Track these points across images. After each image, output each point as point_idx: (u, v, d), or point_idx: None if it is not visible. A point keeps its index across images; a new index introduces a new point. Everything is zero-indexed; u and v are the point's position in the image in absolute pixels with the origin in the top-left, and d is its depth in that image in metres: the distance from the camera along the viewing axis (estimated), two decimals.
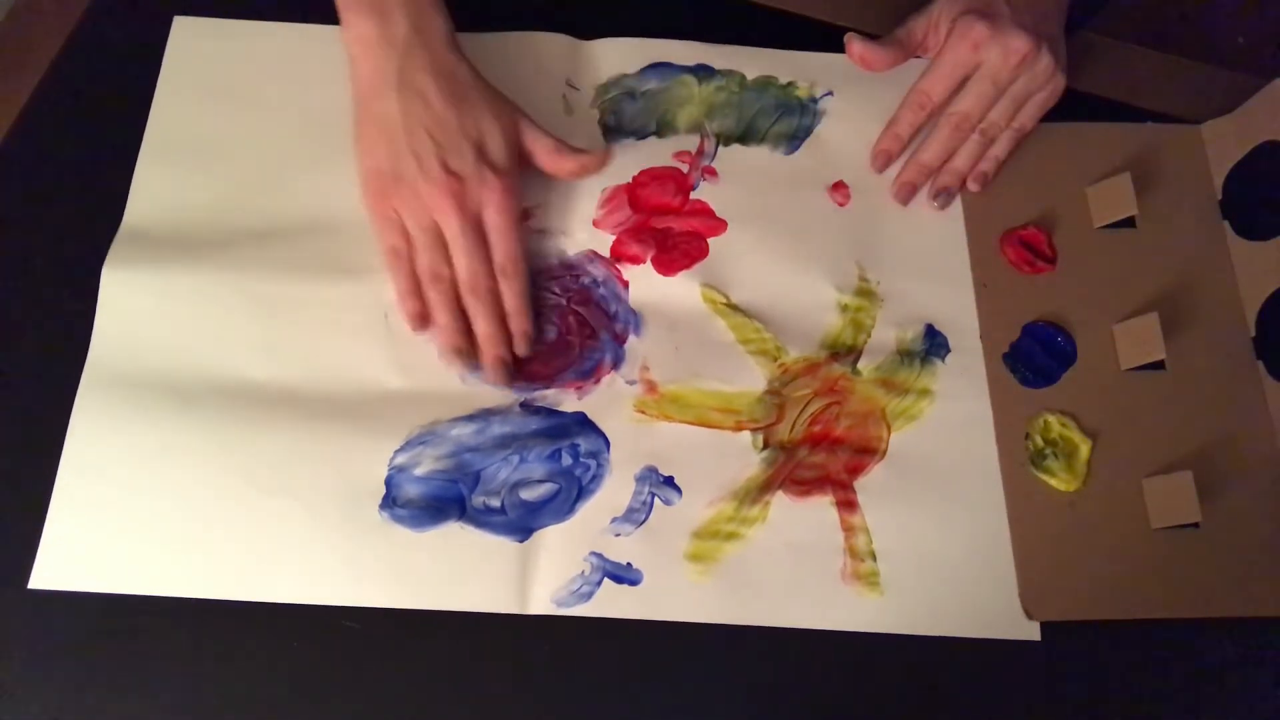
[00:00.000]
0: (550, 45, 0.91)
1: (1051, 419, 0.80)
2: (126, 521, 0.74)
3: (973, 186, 0.86)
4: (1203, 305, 0.84)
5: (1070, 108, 0.87)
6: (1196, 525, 0.76)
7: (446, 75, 0.79)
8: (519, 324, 0.79)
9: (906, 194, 0.87)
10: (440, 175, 0.76)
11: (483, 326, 0.77)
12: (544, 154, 0.82)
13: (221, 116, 0.86)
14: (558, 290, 0.82)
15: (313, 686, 0.71)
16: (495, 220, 0.78)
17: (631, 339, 0.81)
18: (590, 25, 0.91)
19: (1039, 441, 0.79)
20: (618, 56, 0.91)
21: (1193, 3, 1.09)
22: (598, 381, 0.79)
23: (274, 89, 0.88)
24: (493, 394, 0.78)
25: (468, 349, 0.78)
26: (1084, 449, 0.79)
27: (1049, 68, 0.84)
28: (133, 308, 0.79)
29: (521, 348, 0.79)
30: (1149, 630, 0.75)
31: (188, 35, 0.89)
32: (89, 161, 0.84)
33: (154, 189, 0.84)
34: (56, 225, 0.82)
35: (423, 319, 0.78)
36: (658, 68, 0.90)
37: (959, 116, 0.85)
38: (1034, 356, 0.82)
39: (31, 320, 0.79)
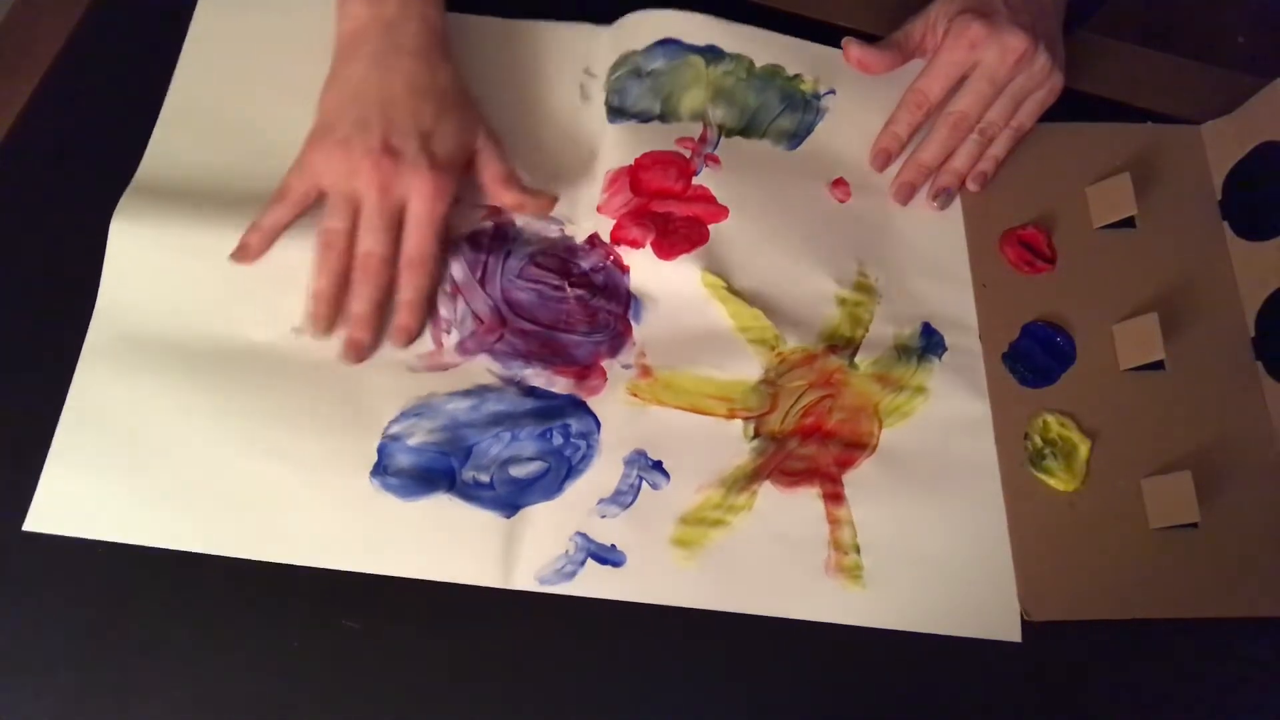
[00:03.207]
0: (573, 35, 0.88)
1: (1050, 419, 0.77)
2: (123, 471, 0.70)
3: (972, 186, 0.83)
4: (1202, 305, 0.81)
5: (1070, 108, 0.84)
6: (1195, 525, 0.73)
7: (422, 66, 0.76)
8: (409, 317, 0.75)
9: (906, 194, 0.83)
10: (377, 146, 0.73)
11: (360, 307, 0.74)
12: (491, 178, 0.78)
13: (243, 85, 0.84)
14: (558, 274, 0.79)
15: (312, 686, 0.67)
16: (418, 210, 0.74)
17: (631, 323, 0.78)
18: (612, 15, 0.88)
19: (1038, 441, 0.76)
20: (630, 32, 0.87)
21: (1192, 3, 1.07)
22: (602, 378, 0.76)
23: (296, 61, 0.83)
24: (490, 372, 0.76)
25: (328, 318, 0.74)
26: (1083, 449, 0.76)
27: (1046, 66, 0.80)
28: (140, 261, 0.76)
29: (400, 342, 0.75)
30: (1141, 630, 0.72)
31: (215, 3, 0.87)
32: (94, 150, 0.81)
33: (171, 147, 0.81)
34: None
35: (250, 253, 0.74)
36: (667, 45, 0.86)
37: (957, 116, 0.82)
38: (1033, 356, 0.79)
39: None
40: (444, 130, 0.75)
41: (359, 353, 0.74)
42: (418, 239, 0.74)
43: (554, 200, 0.80)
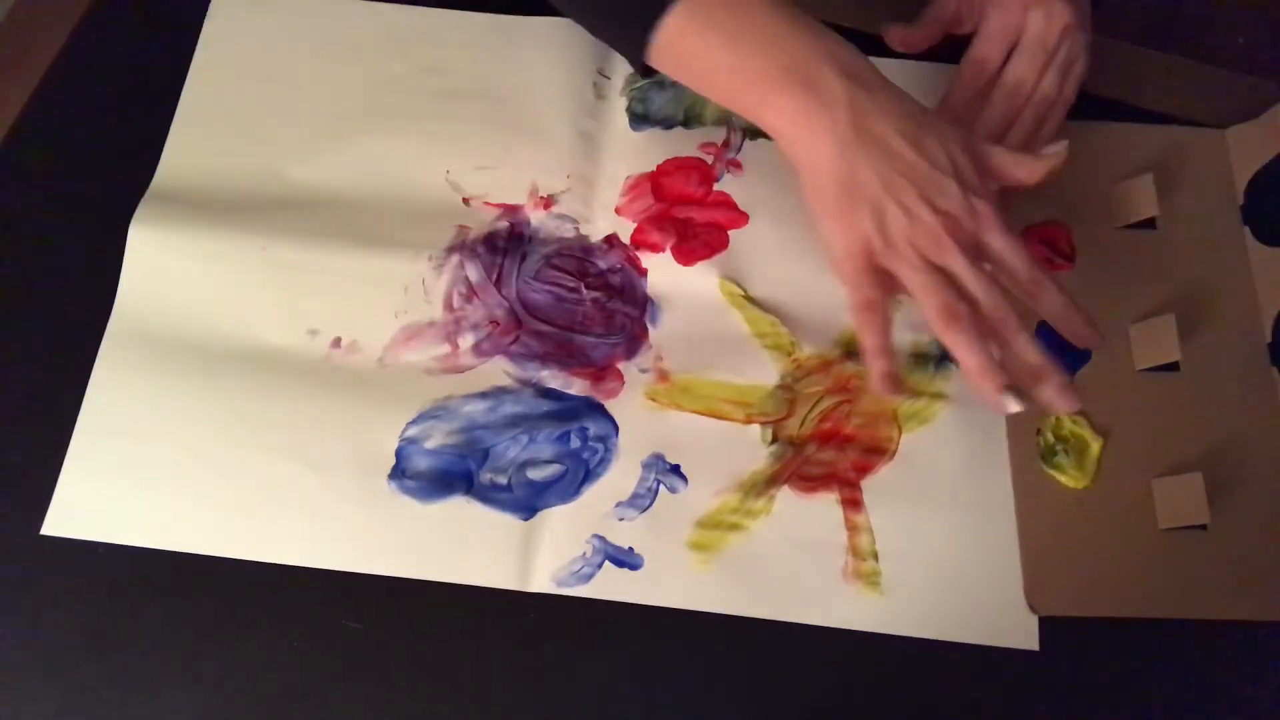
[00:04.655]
0: (584, 32, 0.83)
1: (1063, 416, 0.74)
2: (140, 475, 0.71)
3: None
4: (1219, 309, 0.78)
5: (1095, 111, 0.82)
6: (1204, 527, 0.71)
7: (896, 113, 0.66)
8: (1076, 327, 0.67)
9: None
10: (933, 219, 0.64)
11: (1034, 356, 0.65)
12: (1007, 165, 0.69)
13: (256, 86, 0.83)
14: (575, 275, 0.77)
15: (312, 686, 0.67)
16: (1000, 243, 0.65)
17: (647, 327, 0.76)
18: None
19: (1050, 438, 0.74)
20: None
21: (1192, 2, 1.04)
22: (619, 380, 0.75)
23: (309, 62, 0.84)
24: (506, 374, 0.74)
25: (1015, 383, 0.65)
26: (1095, 447, 0.74)
27: (1082, 42, 0.77)
28: (158, 266, 0.76)
29: (1094, 340, 0.67)
30: (1149, 634, 0.70)
31: (228, 4, 0.86)
32: (94, 151, 0.81)
33: (186, 152, 0.81)
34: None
35: (894, 380, 0.66)
36: None
37: (1014, 83, 0.76)
38: (1049, 353, 0.76)
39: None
40: (957, 155, 0.67)
41: (1072, 390, 0.66)
42: (1022, 263, 0.66)
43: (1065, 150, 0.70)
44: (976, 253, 0.65)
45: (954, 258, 0.64)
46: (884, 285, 0.66)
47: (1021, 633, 0.69)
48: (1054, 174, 0.69)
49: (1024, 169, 0.68)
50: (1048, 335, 0.75)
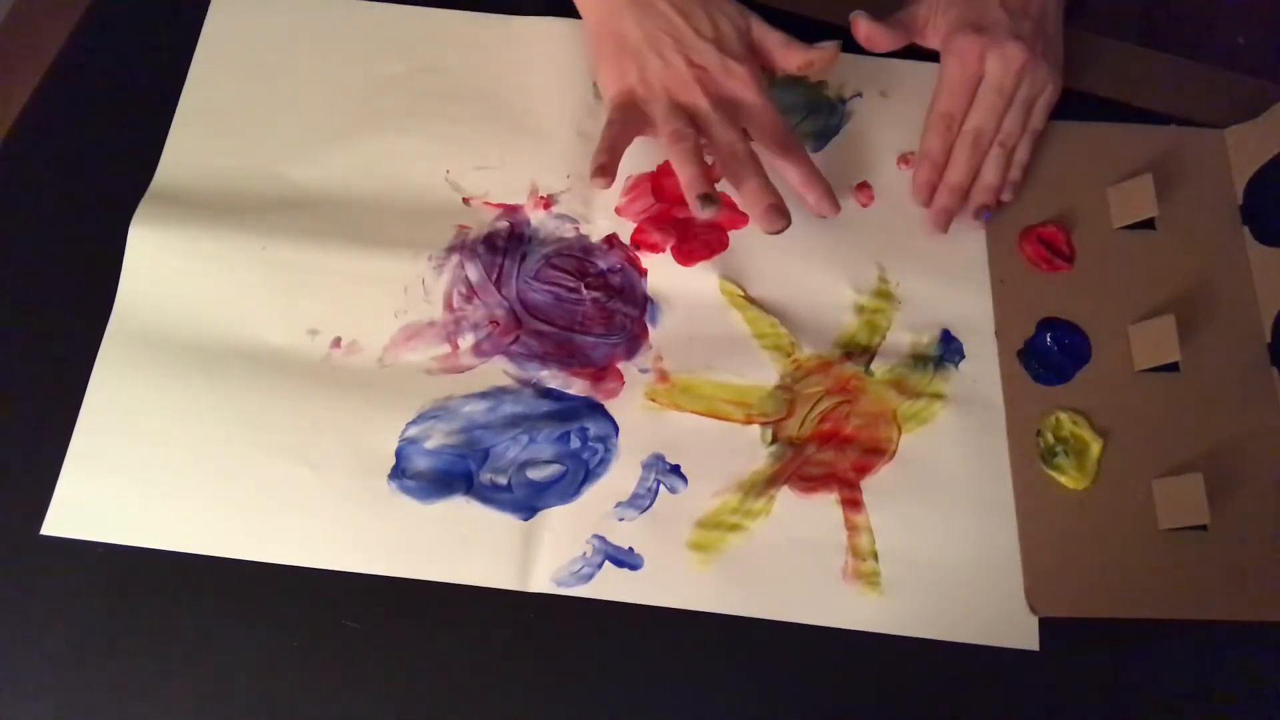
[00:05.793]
0: (582, 32, 0.85)
1: (1063, 416, 0.74)
2: (140, 475, 0.70)
3: (1006, 197, 0.80)
4: (1219, 309, 0.78)
5: (1091, 111, 0.82)
6: (1205, 528, 0.70)
7: None
8: (817, 189, 0.76)
9: (945, 220, 0.79)
10: (685, 68, 0.75)
11: (754, 183, 0.73)
12: (776, 47, 0.79)
13: (256, 86, 0.83)
14: (575, 275, 0.77)
15: (312, 686, 0.66)
16: (750, 99, 0.77)
17: (647, 327, 0.76)
18: None
19: (1050, 439, 0.73)
20: None
21: (1192, 2, 1.04)
22: (619, 380, 0.74)
23: (309, 62, 0.84)
24: (506, 374, 0.74)
25: (713, 193, 0.72)
26: (1095, 447, 0.73)
27: (1045, 74, 0.78)
28: (158, 266, 0.76)
29: (830, 211, 0.76)
30: (1149, 634, 0.70)
31: (228, 4, 0.86)
32: (95, 149, 0.81)
33: (186, 152, 0.80)
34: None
35: (606, 172, 0.72)
36: None
37: (975, 133, 0.79)
38: (1048, 353, 0.76)
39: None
40: (724, 27, 0.78)
41: (782, 214, 0.74)
42: (768, 120, 0.77)
43: (836, 50, 0.79)
44: (729, 106, 0.76)
45: (699, 99, 0.76)
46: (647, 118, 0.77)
47: (1021, 633, 0.69)
48: (809, 67, 0.79)
49: (792, 57, 0.79)
50: (1051, 332, 0.77)
